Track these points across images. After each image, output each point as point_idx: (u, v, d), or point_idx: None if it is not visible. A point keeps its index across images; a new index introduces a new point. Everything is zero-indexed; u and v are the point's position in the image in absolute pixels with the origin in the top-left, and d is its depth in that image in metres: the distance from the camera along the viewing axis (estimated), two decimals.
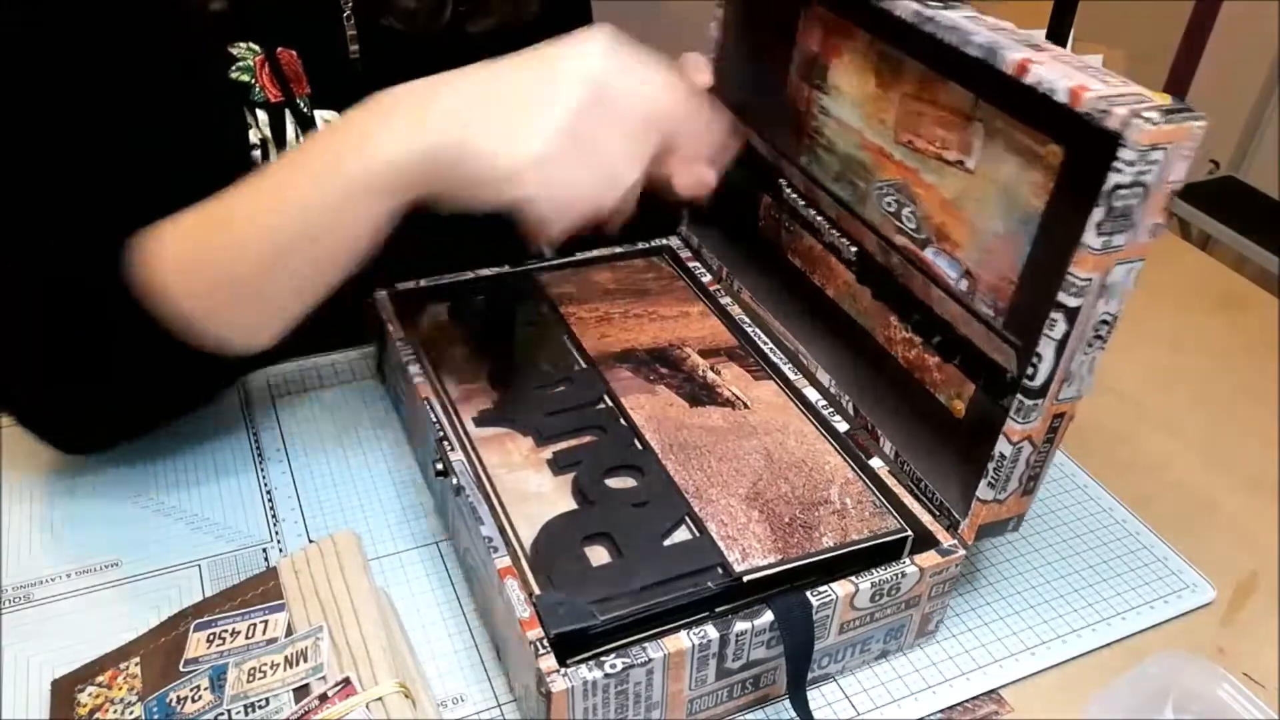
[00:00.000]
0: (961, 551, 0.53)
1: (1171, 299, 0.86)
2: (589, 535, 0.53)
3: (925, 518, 0.55)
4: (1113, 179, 0.43)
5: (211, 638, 0.51)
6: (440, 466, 0.58)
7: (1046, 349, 0.48)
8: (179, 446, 0.67)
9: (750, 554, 0.52)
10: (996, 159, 0.51)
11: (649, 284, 0.74)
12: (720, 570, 0.51)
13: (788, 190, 0.68)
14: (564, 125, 0.49)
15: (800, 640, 0.50)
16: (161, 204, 0.56)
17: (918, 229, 0.57)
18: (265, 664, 0.49)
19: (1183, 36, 2.09)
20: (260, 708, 0.47)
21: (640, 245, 0.78)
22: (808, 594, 0.50)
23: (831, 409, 0.63)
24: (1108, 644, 0.59)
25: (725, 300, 0.73)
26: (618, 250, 0.78)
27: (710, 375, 0.65)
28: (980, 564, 0.62)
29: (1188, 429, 0.75)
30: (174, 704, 0.48)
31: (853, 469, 0.58)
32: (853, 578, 0.51)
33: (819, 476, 0.57)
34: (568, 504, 0.55)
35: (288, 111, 0.68)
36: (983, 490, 0.52)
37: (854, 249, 0.62)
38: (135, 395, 0.60)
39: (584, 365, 0.66)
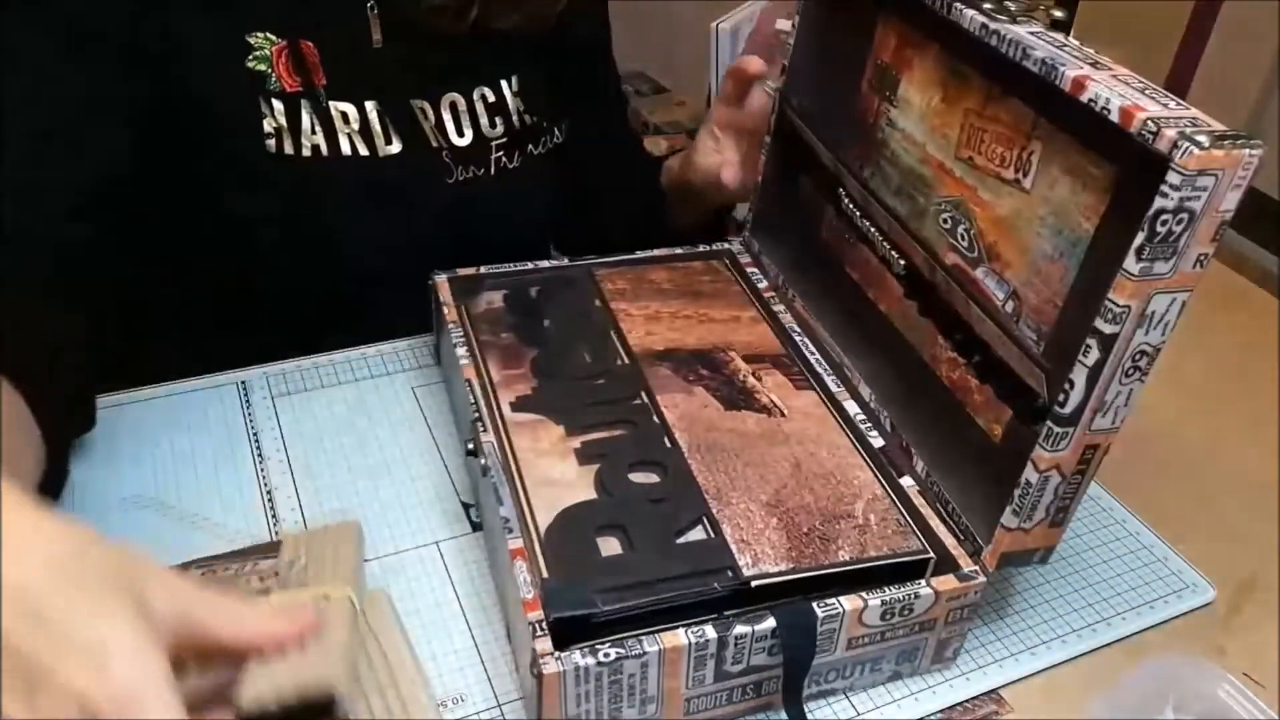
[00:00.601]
0: (981, 579, 0.53)
1: None
2: (603, 526, 0.53)
3: (949, 541, 0.55)
4: (1157, 203, 0.41)
5: (205, 572, 0.55)
6: (471, 447, 0.59)
7: (1079, 376, 0.47)
8: (179, 446, 0.67)
9: (762, 560, 0.52)
10: (1052, 179, 0.51)
11: (704, 286, 0.75)
12: (729, 573, 0.51)
13: (846, 201, 0.68)
14: None
15: (800, 650, 0.50)
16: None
17: (970, 247, 0.57)
18: (243, 577, 0.54)
19: (1183, 36, 2.09)
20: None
21: (702, 248, 0.79)
22: (814, 605, 0.50)
23: (869, 423, 0.63)
24: (1108, 644, 0.59)
25: (778, 308, 0.73)
26: (678, 251, 0.78)
27: (751, 380, 0.65)
28: None
29: (1187, 429, 0.75)
30: None
31: (881, 486, 0.58)
32: (863, 593, 0.51)
33: (845, 490, 0.57)
34: (589, 493, 0.56)
35: (304, 102, 0.68)
36: (1007, 517, 0.52)
37: (903, 263, 0.62)
38: None
39: (626, 360, 0.66)
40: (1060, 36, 0.50)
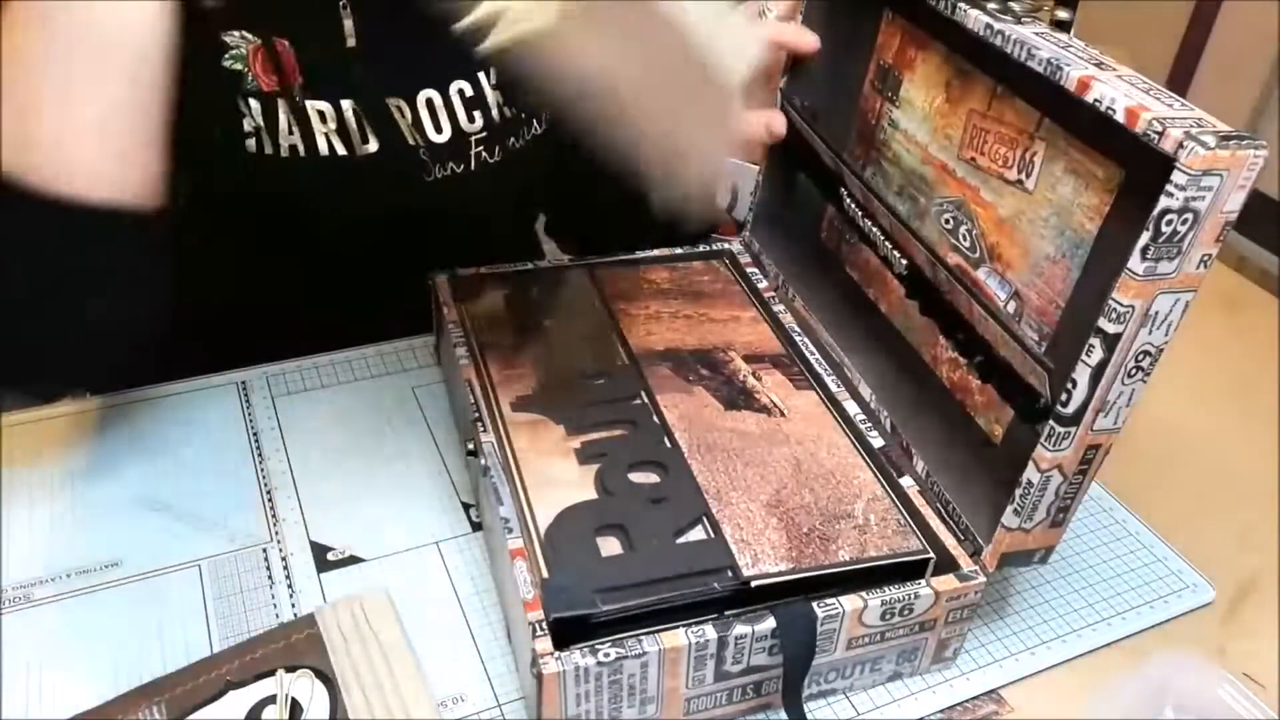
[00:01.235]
0: (981, 579, 0.53)
1: None
2: (603, 526, 0.53)
3: (949, 541, 0.55)
4: (1162, 203, 0.41)
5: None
6: (471, 447, 0.59)
7: (1082, 375, 0.47)
8: (179, 446, 0.67)
9: (762, 560, 0.52)
10: (1055, 180, 0.51)
11: (704, 286, 0.75)
12: (729, 573, 0.51)
13: (847, 201, 0.68)
14: None
15: (799, 649, 0.50)
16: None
17: (972, 247, 0.57)
18: None
19: (1183, 36, 2.09)
20: None
21: (702, 248, 0.79)
22: (814, 605, 0.50)
23: (869, 423, 0.63)
24: (1108, 644, 0.59)
25: (778, 308, 0.73)
26: (678, 251, 0.78)
27: (751, 381, 0.65)
28: None
29: (1187, 429, 0.75)
30: None
31: (882, 486, 0.58)
32: (863, 593, 0.51)
33: (845, 490, 0.57)
34: (589, 493, 0.56)
35: (280, 101, 0.68)
36: (1008, 517, 0.52)
37: (905, 263, 0.62)
38: None
39: (626, 361, 0.66)
40: (1064, 36, 0.50)
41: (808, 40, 0.69)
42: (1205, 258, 0.44)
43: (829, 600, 0.50)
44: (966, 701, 0.55)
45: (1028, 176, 0.53)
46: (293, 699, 0.51)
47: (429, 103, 0.74)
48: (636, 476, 0.57)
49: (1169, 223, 0.42)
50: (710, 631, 0.48)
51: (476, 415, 0.60)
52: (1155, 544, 0.65)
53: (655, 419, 0.61)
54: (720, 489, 0.56)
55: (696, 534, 0.54)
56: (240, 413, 0.70)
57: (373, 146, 0.72)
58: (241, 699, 0.50)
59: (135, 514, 0.62)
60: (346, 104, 0.70)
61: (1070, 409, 0.48)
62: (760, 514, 0.55)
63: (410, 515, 0.63)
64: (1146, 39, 2.05)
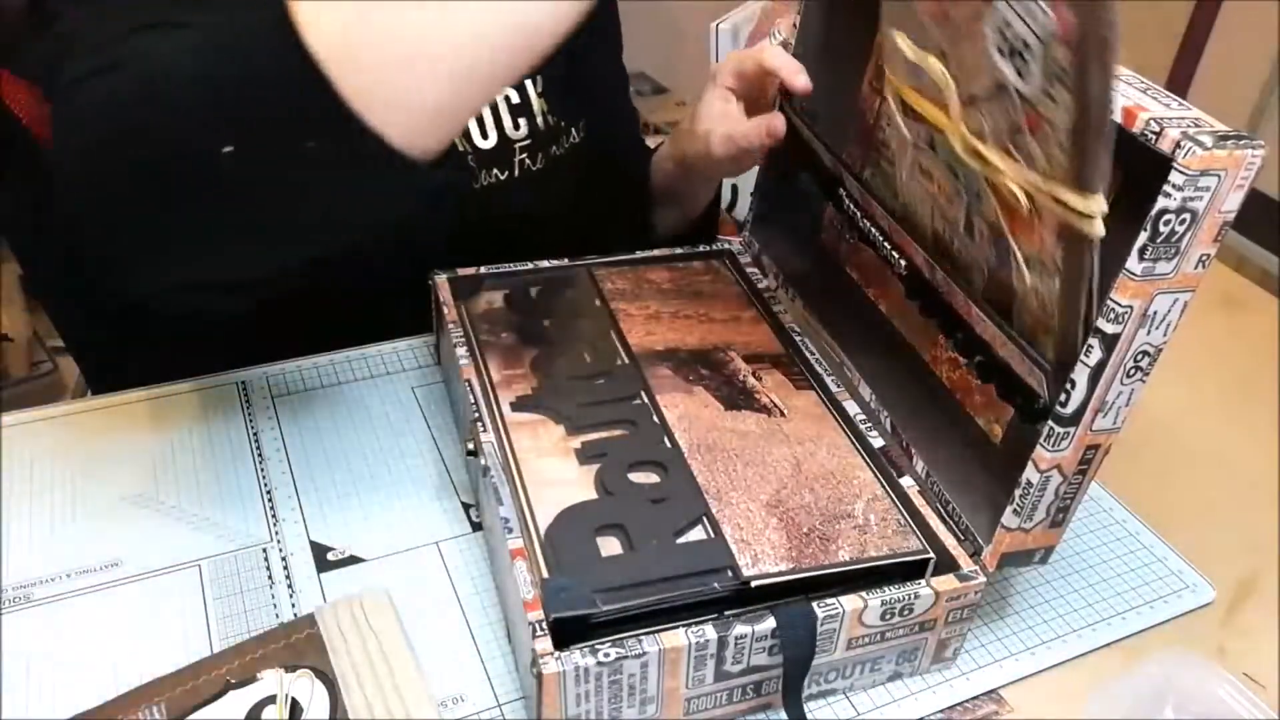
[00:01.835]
0: (981, 579, 0.53)
1: None
2: (603, 526, 0.53)
3: (949, 541, 0.55)
4: (1160, 203, 0.41)
5: None
6: (471, 446, 0.59)
7: (1081, 376, 0.47)
8: (179, 446, 0.67)
9: (762, 560, 0.52)
10: None
11: (704, 286, 0.75)
12: (729, 573, 0.51)
13: (846, 202, 0.68)
14: None
15: (800, 649, 0.50)
16: None
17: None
18: None
19: (1183, 36, 2.09)
20: None
21: (702, 248, 0.79)
22: (814, 605, 0.50)
23: (869, 424, 0.63)
24: (1108, 644, 0.59)
25: (779, 308, 0.73)
26: (678, 251, 0.78)
27: (751, 381, 0.65)
28: None
29: (1187, 429, 0.75)
30: None
31: (882, 486, 0.58)
32: (863, 593, 0.51)
33: (846, 490, 0.57)
34: (589, 493, 0.56)
35: None
36: (1007, 518, 0.52)
37: (904, 263, 0.62)
38: None
39: (626, 360, 0.66)
40: None
41: (800, 82, 0.68)
42: (1204, 258, 0.44)
43: (829, 600, 0.50)
44: (966, 701, 0.55)
45: None
46: (293, 699, 0.51)
47: None
48: (636, 476, 0.57)
49: (1167, 223, 0.42)
50: (710, 631, 0.48)
51: (476, 415, 0.60)
52: (1155, 544, 0.65)
53: (655, 419, 0.61)
54: (720, 489, 0.56)
55: (696, 534, 0.54)
56: (240, 413, 0.70)
57: None
58: (241, 699, 0.50)
59: (135, 514, 0.62)
60: None
61: (1069, 409, 0.48)
62: (760, 514, 0.55)
63: (410, 515, 0.63)
64: (1146, 39, 2.05)
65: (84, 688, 0.52)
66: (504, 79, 0.48)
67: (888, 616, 0.51)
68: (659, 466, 0.58)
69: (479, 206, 0.77)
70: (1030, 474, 0.50)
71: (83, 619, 0.56)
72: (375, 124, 0.44)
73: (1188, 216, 0.42)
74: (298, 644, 0.53)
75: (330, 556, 0.60)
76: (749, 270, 0.77)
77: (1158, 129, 0.42)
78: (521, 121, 0.76)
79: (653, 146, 0.96)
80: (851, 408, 0.64)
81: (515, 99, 0.76)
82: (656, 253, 0.78)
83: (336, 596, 0.57)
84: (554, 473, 0.57)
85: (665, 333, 0.69)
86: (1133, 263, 0.43)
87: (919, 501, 0.57)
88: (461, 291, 0.71)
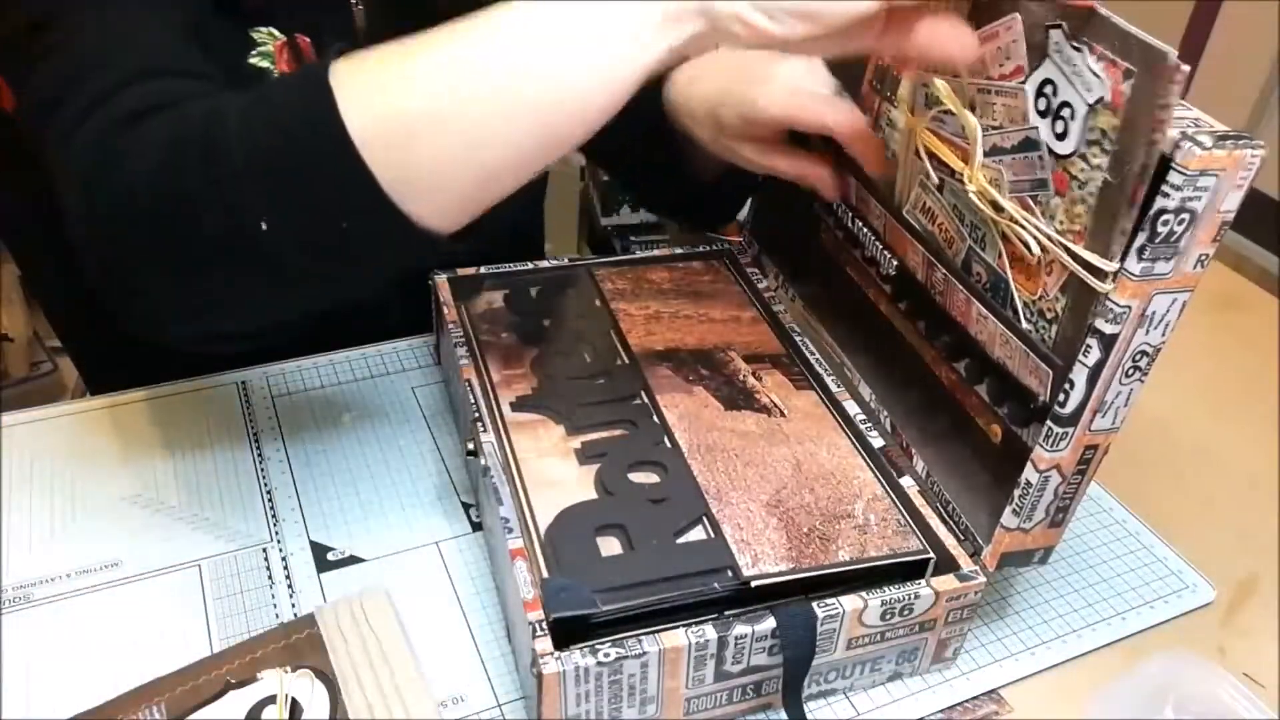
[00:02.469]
0: (981, 579, 0.53)
1: None
2: (603, 526, 0.53)
3: (949, 541, 0.55)
4: (1159, 203, 0.41)
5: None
6: (471, 447, 0.59)
7: (1079, 376, 0.47)
8: (179, 446, 0.67)
9: (762, 560, 0.52)
10: None
11: (704, 286, 0.75)
12: (729, 573, 0.51)
13: (838, 201, 0.68)
14: None
15: (800, 649, 0.50)
16: None
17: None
18: None
19: (1183, 36, 2.09)
20: None
21: (702, 248, 0.79)
22: (814, 605, 0.50)
23: (869, 424, 0.62)
24: (1108, 644, 0.59)
25: (779, 308, 0.73)
26: (678, 251, 0.78)
27: (751, 381, 0.65)
28: None
29: (1187, 429, 0.75)
30: None
31: (882, 486, 0.58)
32: (863, 593, 0.51)
33: (845, 490, 0.57)
34: (589, 493, 0.56)
35: None
36: (1007, 518, 0.52)
37: (895, 263, 0.62)
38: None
39: (626, 360, 0.66)
40: None
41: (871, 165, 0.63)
42: (1202, 257, 0.44)
43: (829, 600, 0.50)
44: (966, 701, 0.55)
45: None
46: (293, 699, 0.51)
47: None
48: (636, 476, 0.57)
49: (1165, 223, 0.42)
50: (710, 631, 0.48)
51: (476, 415, 0.60)
52: (1155, 544, 0.65)
53: (655, 419, 0.61)
54: (720, 489, 0.56)
55: (696, 534, 0.54)
56: (240, 413, 0.70)
57: None
58: (241, 699, 0.50)
59: (135, 514, 0.62)
60: None
61: (1068, 409, 0.48)
62: (760, 514, 0.55)
63: (410, 515, 0.63)
64: None
65: (84, 688, 0.52)
66: (531, 171, 0.49)
67: (888, 616, 0.51)
68: (659, 466, 0.58)
69: None
70: (1029, 474, 0.50)
71: (83, 619, 0.56)
72: (406, 208, 0.46)
73: (1186, 216, 0.42)
74: (298, 644, 0.53)
75: (330, 556, 0.60)
76: (749, 270, 0.77)
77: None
78: None
79: None
80: (851, 408, 0.64)
81: None
82: (656, 253, 0.78)
83: (336, 596, 0.57)
84: (554, 473, 0.57)
85: (665, 333, 0.69)
86: (1131, 262, 0.43)
87: (919, 501, 0.57)
88: (461, 291, 0.71)
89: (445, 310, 0.69)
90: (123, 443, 0.67)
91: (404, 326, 0.77)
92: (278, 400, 0.71)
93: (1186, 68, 0.39)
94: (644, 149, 0.80)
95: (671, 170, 0.82)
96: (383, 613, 0.55)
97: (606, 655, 0.47)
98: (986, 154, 0.51)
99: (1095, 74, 0.43)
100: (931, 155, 0.55)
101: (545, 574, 0.50)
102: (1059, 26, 0.45)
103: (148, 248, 0.47)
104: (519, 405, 0.62)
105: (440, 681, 0.53)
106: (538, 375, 0.64)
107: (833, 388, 0.65)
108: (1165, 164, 0.41)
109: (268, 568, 0.59)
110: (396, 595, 0.57)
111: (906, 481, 0.58)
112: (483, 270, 0.74)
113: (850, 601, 0.50)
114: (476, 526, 0.62)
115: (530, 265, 0.75)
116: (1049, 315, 0.49)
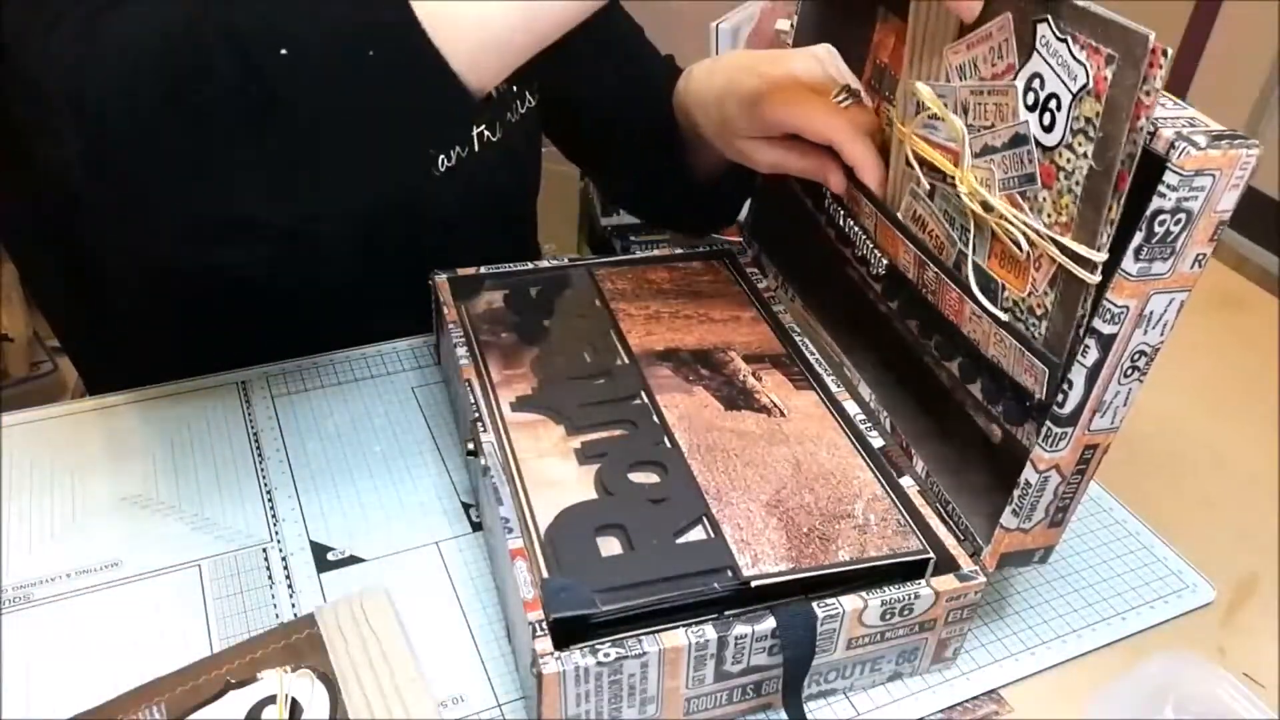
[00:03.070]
0: (981, 579, 0.53)
1: None
2: (603, 526, 0.53)
3: (949, 541, 0.55)
4: (1155, 203, 0.41)
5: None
6: (471, 447, 0.59)
7: (1077, 376, 0.47)
8: (179, 446, 0.67)
9: (762, 560, 0.52)
10: None
11: (704, 286, 0.75)
12: (729, 573, 0.51)
13: (829, 200, 0.68)
14: None
15: (800, 649, 0.50)
16: None
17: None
18: None
19: (1183, 36, 2.09)
20: None
21: (702, 248, 0.79)
22: (814, 605, 0.50)
23: (869, 424, 0.63)
24: (1108, 644, 0.59)
25: (778, 308, 0.73)
26: (678, 251, 0.78)
27: (750, 381, 0.65)
28: None
29: (1187, 429, 0.75)
30: None
31: (882, 486, 0.58)
32: (863, 593, 0.51)
33: (845, 490, 0.57)
34: (589, 494, 0.56)
35: None
36: (1006, 518, 0.52)
37: (885, 262, 0.62)
38: None
39: (626, 361, 0.66)
40: None
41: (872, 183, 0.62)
42: (1200, 257, 0.44)
43: (829, 600, 0.50)
44: (966, 701, 0.55)
45: None
46: (293, 699, 0.51)
47: None
48: (636, 476, 0.57)
49: (1162, 223, 0.42)
50: (710, 631, 0.48)
51: (476, 415, 0.60)
52: (1155, 544, 0.65)
53: (655, 419, 0.61)
54: (720, 489, 0.56)
55: (696, 534, 0.54)
56: (240, 413, 0.70)
57: None
58: (241, 699, 0.51)
59: (135, 514, 0.62)
60: None
61: (1067, 409, 0.48)
62: (760, 514, 0.55)
63: (410, 515, 0.63)
64: None
65: (84, 688, 0.52)
66: (571, 21, 0.47)
67: (888, 616, 0.51)
68: (659, 466, 0.58)
69: (441, 189, 0.75)
70: (1029, 474, 0.50)
71: (83, 619, 0.56)
72: (440, 43, 0.44)
73: (1183, 216, 0.42)
74: (298, 644, 0.53)
75: (330, 556, 0.60)
76: (749, 270, 0.77)
77: (1152, 129, 0.42)
78: None
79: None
80: (851, 408, 0.64)
81: None
82: (656, 253, 0.78)
83: (336, 596, 0.57)
84: (554, 473, 0.57)
85: (665, 333, 0.69)
86: (1128, 263, 0.43)
87: (919, 501, 0.57)
88: (461, 291, 0.72)
89: (445, 310, 0.69)
90: (123, 443, 0.67)
91: (404, 326, 0.77)
92: (278, 400, 0.71)
93: (1169, 50, 0.39)
94: (646, 154, 0.80)
95: (672, 174, 0.83)
96: (383, 613, 0.55)
97: (606, 655, 0.47)
98: (979, 154, 0.51)
99: (1079, 61, 0.43)
100: (923, 162, 0.55)
101: (545, 574, 0.50)
102: (1045, 20, 0.45)
103: (151, 120, 0.45)
104: (519, 405, 0.62)
105: (440, 681, 0.53)
106: (538, 375, 0.64)
107: (832, 388, 0.65)
108: (1161, 164, 0.41)
109: (267, 568, 0.59)
110: (396, 595, 0.57)
111: (906, 481, 0.58)
112: (483, 270, 0.74)
113: (850, 601, 0.50)
114: (476, 526, 0.62)
115: (530, 265, 0.75)
116: (1039, 311, 0.49)
